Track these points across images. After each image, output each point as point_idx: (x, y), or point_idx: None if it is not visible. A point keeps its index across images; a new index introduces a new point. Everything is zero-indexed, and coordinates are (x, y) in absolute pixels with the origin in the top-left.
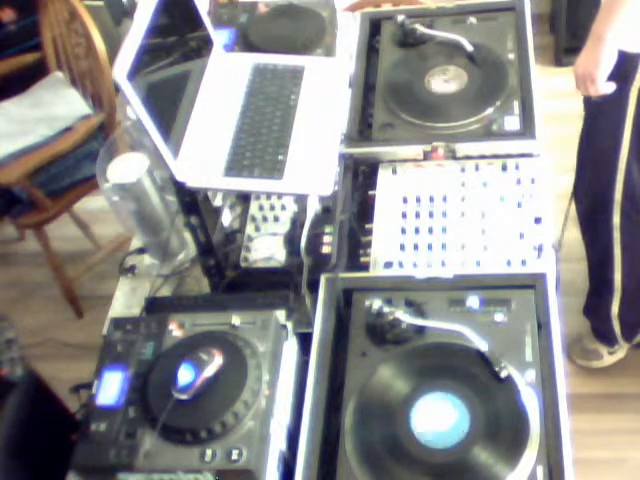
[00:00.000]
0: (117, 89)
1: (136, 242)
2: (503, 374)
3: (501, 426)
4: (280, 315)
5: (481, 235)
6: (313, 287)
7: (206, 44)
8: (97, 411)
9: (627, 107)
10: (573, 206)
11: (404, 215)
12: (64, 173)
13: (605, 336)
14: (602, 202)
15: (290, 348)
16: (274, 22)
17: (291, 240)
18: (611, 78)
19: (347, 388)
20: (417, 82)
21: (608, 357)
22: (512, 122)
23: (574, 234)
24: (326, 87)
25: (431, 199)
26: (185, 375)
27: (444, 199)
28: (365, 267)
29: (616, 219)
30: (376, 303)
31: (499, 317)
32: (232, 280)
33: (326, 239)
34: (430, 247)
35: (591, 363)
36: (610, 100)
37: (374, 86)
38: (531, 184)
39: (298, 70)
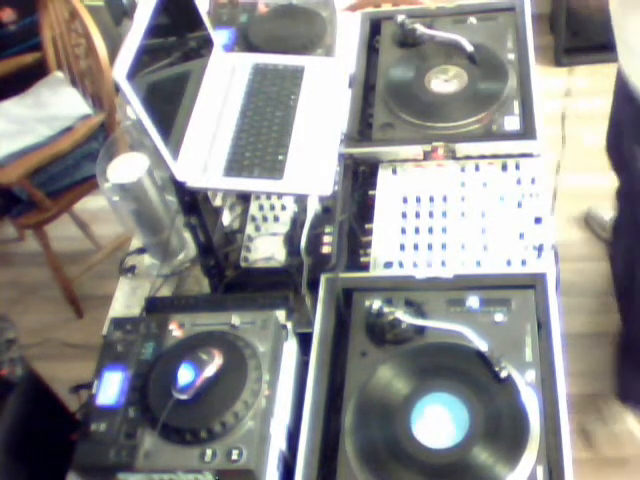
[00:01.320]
0: (117, 89)
1: (136, 242)
2: (503, 374)
3: (501, 426)
4: (280, 315)
5: (481, 235)
6: (313, 287)
7: (206, 44)
8: (97, 411)
9: None
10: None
11: (404, 215)
12: (64, 173)
13: None
14: None
15: (290, 348)
16: (274, 22)
17: (291, 240)
18: None
19: (347, 388)
20: (417, 82)
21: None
22: (512, 122)
23: (574, 234)
24: (326, 87)
25: (431, 199)
26: (185, 375)
27: (444, 199)
28: (365, 267)
29: None
30: (376, 303)
31: (499, 317)
32: (232, 280)
33: (326, 239)
34: (430, 247)
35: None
36: None
37: (374, 86)
38: (531, 184)
39: (298, 70)
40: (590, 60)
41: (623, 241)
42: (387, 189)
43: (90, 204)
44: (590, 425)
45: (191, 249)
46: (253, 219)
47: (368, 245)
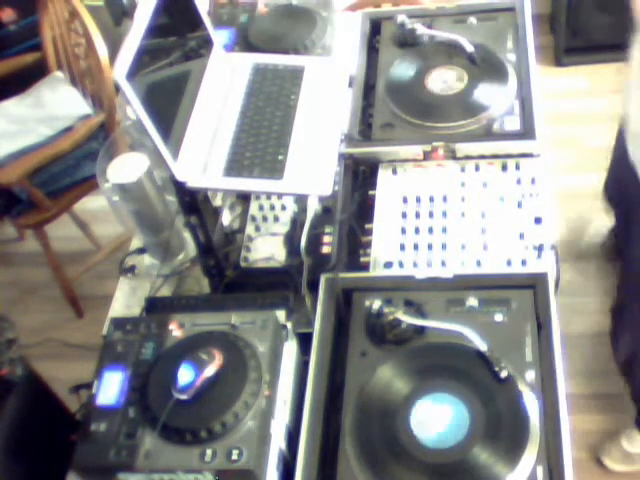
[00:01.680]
0: (117, 89)
1: (136, 242)
2: (503, 374)
3: (501, 426)
4: (280, 315)
5: (481, 235)
6: (313, 287)
7: (206, 44)
8: (97, 411)
9: None
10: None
11: (404, 215)
12: (64, 173)
13: None
14: None
15: (290, 348)
16: (274, 22)
17: (291, 240)
18: None
19: (347, 388)
20: (417, 82)
21: None
22: (512, 122)
23: (574, 234)
24: (326, 87)
25: (431, 199)
26: (185, 375)
27: (444, 199)
28: (365, 267)
29: None
30: (376, 303)
31: (499, 317)
32: (232, 280)
33: (326, 239)
34: (430, 247)
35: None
36: None
37: (374, 86)
38: (531, 184)
39: (298, 70)
40: (590, 60)
41: (630, 327)
42: (387, 189)
43: (90, 204)
44: (607, 458)
45: (191, 249)
46: (253, 219)
47: (368, 245)
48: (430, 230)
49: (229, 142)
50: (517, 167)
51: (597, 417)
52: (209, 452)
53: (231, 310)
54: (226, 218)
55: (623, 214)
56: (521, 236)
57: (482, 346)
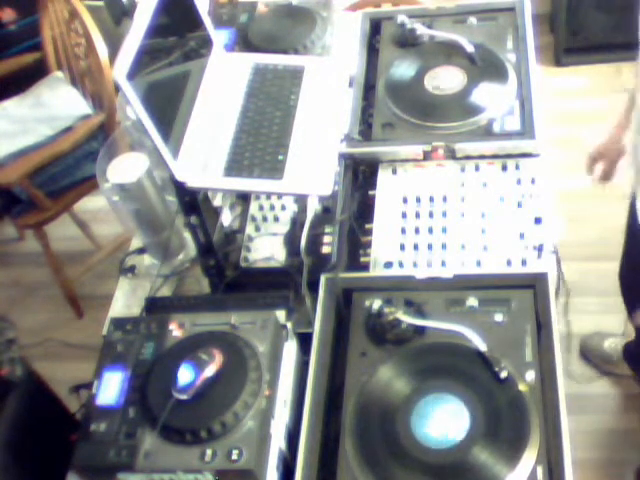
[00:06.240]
0: (117, 89)
1: (136, 242)
2: (503, 374)
3: (501, 426)
4: (280, 315)
5: (481, 235)
6: (313, 287)
7: (206, 44)
8: (97, 411)
9: None
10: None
11: (404, 215)
12: (64, 173)
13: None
14: None
15: (290, 348)
16: (274, 22)
17: (291, 240)
18: None
19: (347, 388)
20: (417, 82)
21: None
22: (512, 122)
23: (574, 234)
24: (326, 87)
25: (431, 199)
26: (185, 375)
27: (444, 199)
28: (365, 267)
29: None
30: (376, 303)
31: (499, 317)
32: (232, 280)
33: (326, 239)
34: (430, 247)
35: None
36: None
37: (374, 86)
38: (531, 184)
39: (298, 70)
40: (590, 60)
41: None
42: (387, 189)
43: (90, 204)
44: None
45: (191, 249)
46: (253, 219)
47: (368, 245)
48: (430, 230)
49: (229, 142)
50: (517, 167)
51: (597, 417)
52: (209, 452)
53: (231, 310)
54: (226, 218)
55: None
56: (521, 236)
57: (482, 346)
